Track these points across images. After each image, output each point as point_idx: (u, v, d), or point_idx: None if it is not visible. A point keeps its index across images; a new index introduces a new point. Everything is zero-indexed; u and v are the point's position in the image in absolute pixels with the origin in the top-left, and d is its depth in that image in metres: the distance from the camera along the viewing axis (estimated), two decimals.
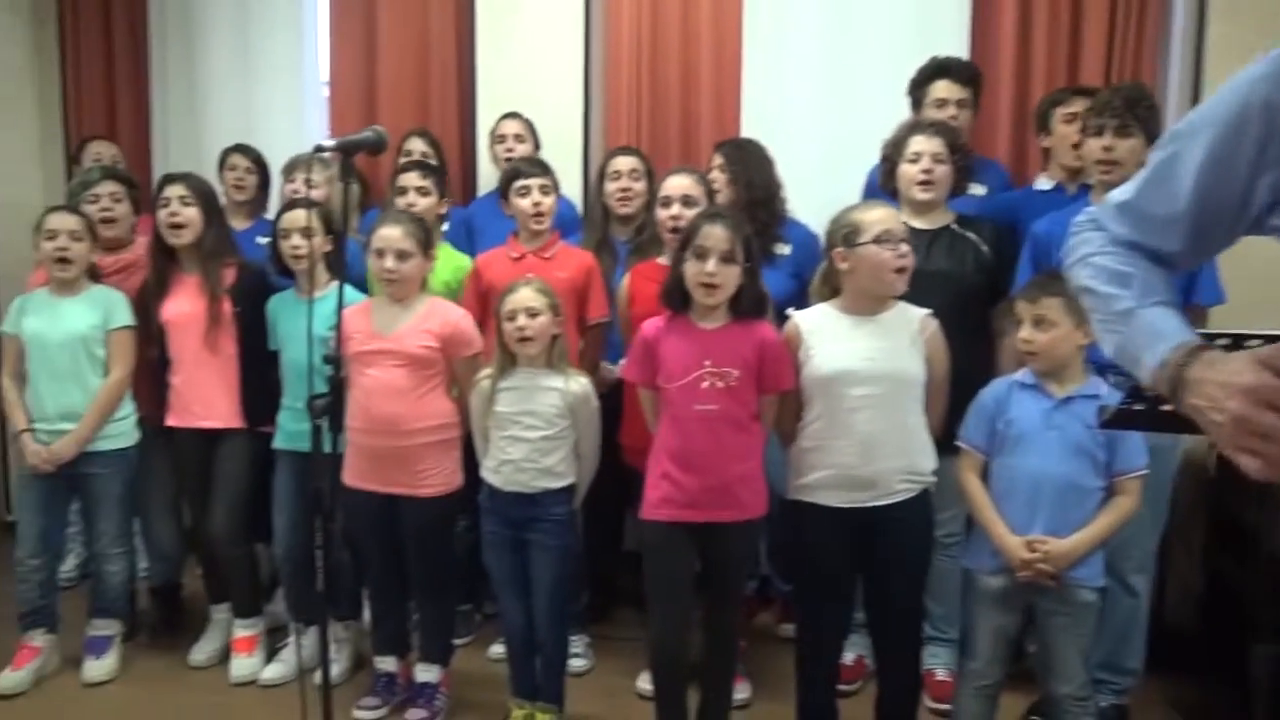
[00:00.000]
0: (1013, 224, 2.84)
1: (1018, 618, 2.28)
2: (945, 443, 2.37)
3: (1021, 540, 2.19)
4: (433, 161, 3.42)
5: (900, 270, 2.26)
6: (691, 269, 2.26)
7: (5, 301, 3.13)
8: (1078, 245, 1.33)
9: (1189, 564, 3.11)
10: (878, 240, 2.25)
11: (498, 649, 3.01)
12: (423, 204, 3.10)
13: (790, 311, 2.43)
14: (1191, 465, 2.90)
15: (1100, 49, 3.29)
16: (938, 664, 2.85)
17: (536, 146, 3.52)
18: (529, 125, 3.52)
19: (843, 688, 2.66)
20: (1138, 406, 1.30)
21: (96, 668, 2.98)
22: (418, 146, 3.55)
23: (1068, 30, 3.33)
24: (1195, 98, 3.18)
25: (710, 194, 2.81)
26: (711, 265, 2.24)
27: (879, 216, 2.29)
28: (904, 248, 2.26)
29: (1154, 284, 1.22)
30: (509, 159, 3.44)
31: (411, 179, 3.13)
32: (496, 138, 3.51)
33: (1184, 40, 3.26)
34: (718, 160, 3.04)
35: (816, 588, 2.38)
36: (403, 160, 3.41)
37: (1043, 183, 3.02)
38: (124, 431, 2.99)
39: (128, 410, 3.00)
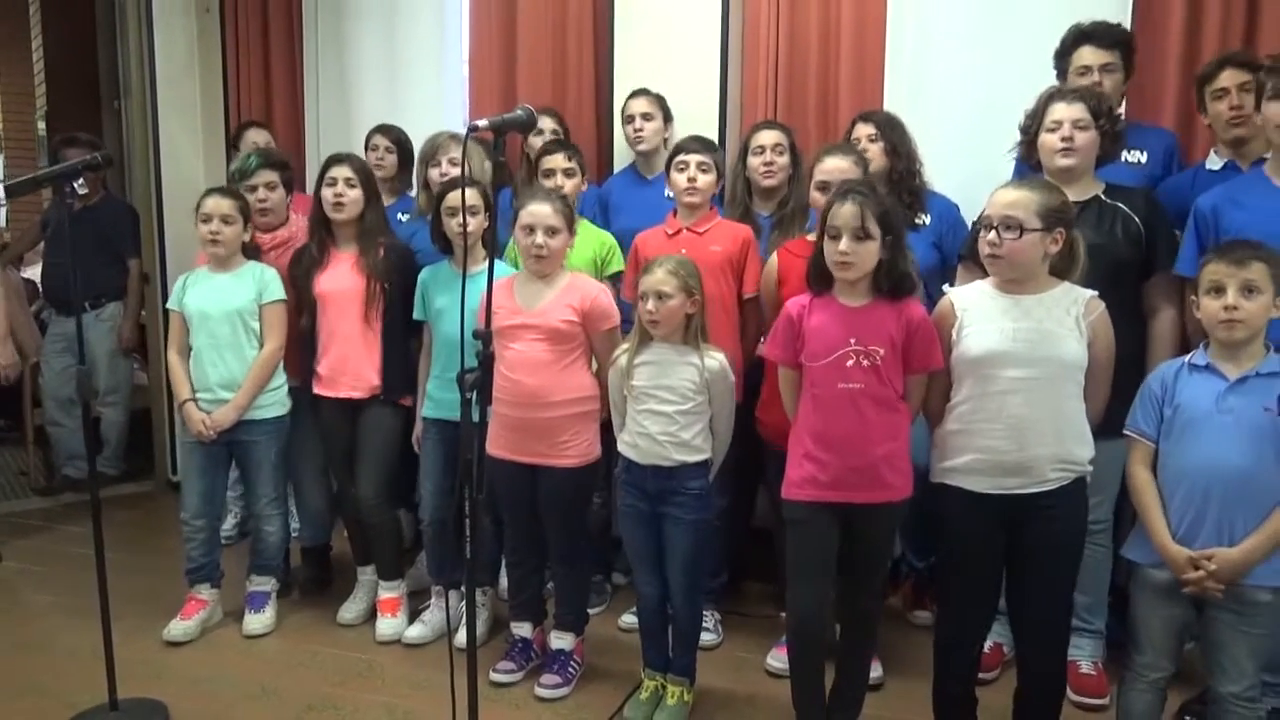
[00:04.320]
0: (1184, 208, 2.68)
1: (1188, 609, 2.16)
2: (1096, 425, 2.26)
3: (1185, 555, 2.06)
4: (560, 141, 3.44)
5: (991, 257, 2.19)
6: (828, 249, 2.25)
7: (174, 278, 3.33)
8: None
9: None
10: (984, 225, 2.21)
11: (629, 618, 3.07)
12: (569, 185, 3.17)
13: (946, 288, 2.37)
14: None
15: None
16: (1082, 656, 2.75)
17: (667, 120, 3.53)
18: (657, 100, 3.51)
19: (980, 675, 2.59)
20: None
21: (256, 621, 3.18)
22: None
23: None
24: None
25: (866, 173, 2.75)
26: (844, 244, 2.21)
27: (994, 199, 2.22)
28: (992, 234, 2.17)
29: None
30: (639, 137, 3.47)
31: (558, 161, 3.20)
32: (626, 117, 3.53)
33: None
34: (867, 130, 3.02)
35: (960, 574, 2.32)
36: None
37: (1213, 161, 2.84)
38: (278, 400, 3.16)
39: (280, 380, 3.17)
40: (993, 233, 2.18)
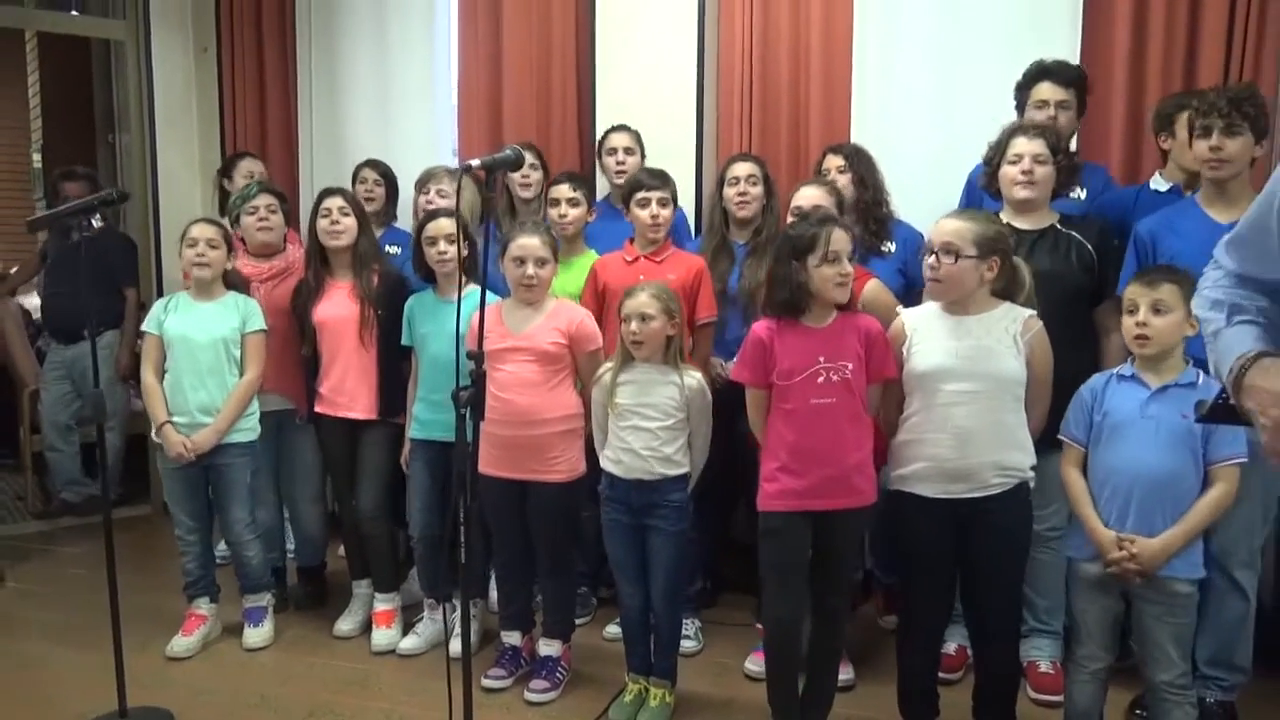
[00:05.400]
0: (1123, 222, 2.86)
1: (1119, 600, 2.33)
2: (1050, 439, 2.44)
3: (1113, 537, 2.25)
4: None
5: (933, 280, 2.39)
6: (827, 272, 2.38)
7: None
8: (1201, 280, 1.46)
9: None
10: (926, 251, 2.41)
11: (613, 629, 3.20)
12: (574, 213, 3.33)
13: (899, 310, 2.55)
14: None
15: (1218, 52, 3.20)
16: (1041, 656, 2.90)
17: (643, 156, 3.68)
18: (635, 136, 3.67)
19: (945, 676, 2.75)
20: (1234, 401, 1.39)
21: (255, 635, 3.30)
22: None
23: (1184, 31, 3.25)
24: None
25: (841, 203, 2.93)
26: (848, 266, 2.40)
27: (936, 227, 2.42)
28: (932, 259, 2.38)
29: (1243, 306, 1.33)
30: (620, 171, 3.61)
31: (563, 191, 3.34)
32: (607, 150, 3.66)
33: None
34: (837, 162, 3.18)
35: (915, 576, 2.49)
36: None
37: (1159, 183, 3.00)
38: (250, 426, 3.27)
39: (254, 407, 3.28)
40: (933, 257, 2.38)
